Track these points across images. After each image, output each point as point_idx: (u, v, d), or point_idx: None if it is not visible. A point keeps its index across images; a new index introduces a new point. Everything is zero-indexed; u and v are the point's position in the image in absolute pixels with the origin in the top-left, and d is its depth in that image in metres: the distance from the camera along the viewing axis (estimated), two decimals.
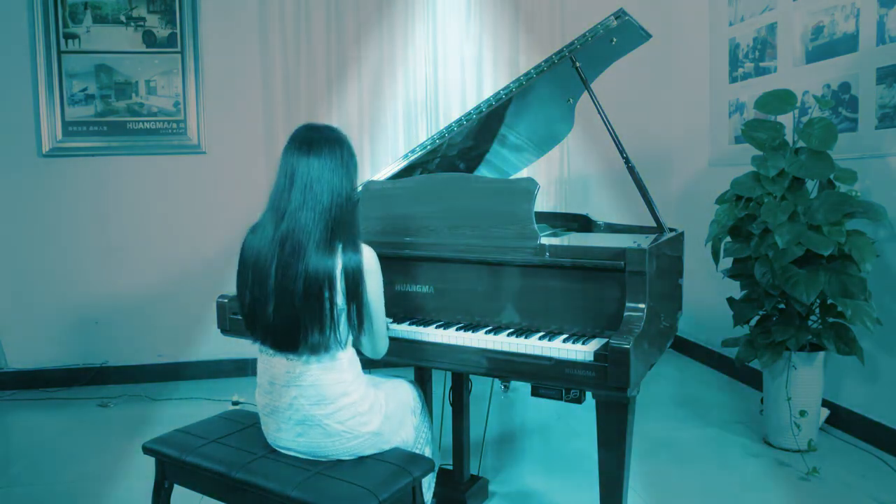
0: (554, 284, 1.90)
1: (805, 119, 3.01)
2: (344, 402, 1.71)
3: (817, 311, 2.91)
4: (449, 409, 2.48)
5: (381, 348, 1.87)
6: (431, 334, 1.93)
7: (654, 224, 2.25)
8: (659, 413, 3.42)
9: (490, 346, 1.84)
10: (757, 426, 3.20)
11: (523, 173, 2.83)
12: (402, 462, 1.75)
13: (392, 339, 1.93)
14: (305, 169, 1.66)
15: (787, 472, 2.76)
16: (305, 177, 1.65)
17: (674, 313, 2.19)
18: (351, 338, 1.74)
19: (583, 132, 3.21)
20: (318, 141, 1.69)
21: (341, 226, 1.67)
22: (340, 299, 1.66)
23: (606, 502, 1.85)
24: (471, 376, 2.49)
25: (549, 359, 1.75)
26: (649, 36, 2.42)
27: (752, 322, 3.02)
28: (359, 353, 1.83)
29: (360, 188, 2.35)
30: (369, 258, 1.73)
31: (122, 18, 3.94)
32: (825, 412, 3.03)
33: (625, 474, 1.83)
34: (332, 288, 1.64)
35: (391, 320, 2.02)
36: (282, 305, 1.64)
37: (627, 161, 2.24)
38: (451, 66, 4.20)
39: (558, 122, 2.69)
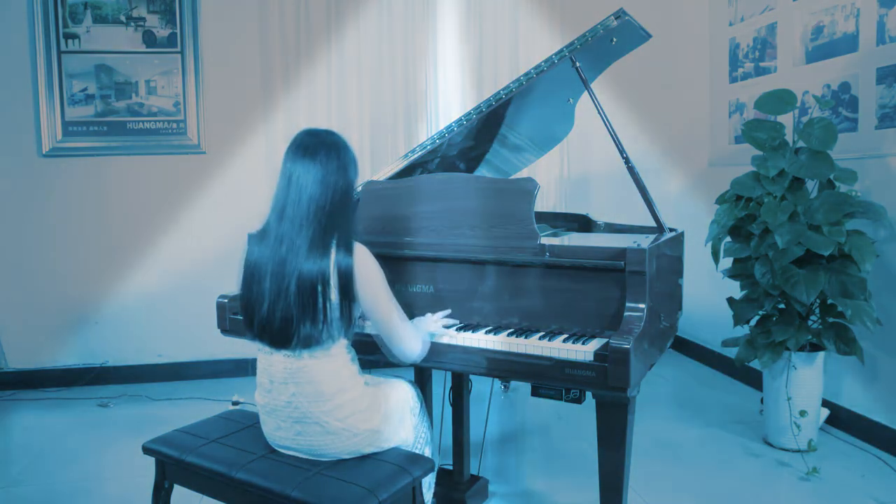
0: (554, 284, 1.90)
1: (805, 119, 3.02)
2: (342, 398, 1.72)
3: (817, 311, 2.91)
4: (449, 409, 2.48)
5: (409, 350, 1.82)
6: None
7: (654, 224, 2.25)
8: (659, 413, 3.42)
9: (490, 346, 1.84)
10: (757, 426, 3.20)
11: (523, 173, 2.83)
12: (403, 462, 1.75)
13: None
14: (302, 172, 1.71)
15: (787, 472, 2.76)
16: (302, 179, 1.71)
17: (674, 313, 2.19)
18: (344, 333, 1.75)
19: (583, 132, 3.21)
20: (315, 145, 1.74)
21: (337, 226, 1.72)
22: (335, 295, 1.69)
23: (606, 502, 1.85)
24: (471, 376, 2.49)
25: (549, 359, 1.75)
26: (649, 36, 2.42)
27: (752, 322, 3.02)
28: (363, 357, 1.83)
29: (359, 188, 2.35)
30: (364, 258, 1.74)
31: (122, 18, 3.94)
32: (825, 412, 3.03)
33: (625, 474, 1.83)
34: (325, 284, 1.68)
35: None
36: (276, 302, 1.69)
37: (627, 161, 2.24)
38: (451, 66, 4.20)
39: (558, 122, 2.69)
